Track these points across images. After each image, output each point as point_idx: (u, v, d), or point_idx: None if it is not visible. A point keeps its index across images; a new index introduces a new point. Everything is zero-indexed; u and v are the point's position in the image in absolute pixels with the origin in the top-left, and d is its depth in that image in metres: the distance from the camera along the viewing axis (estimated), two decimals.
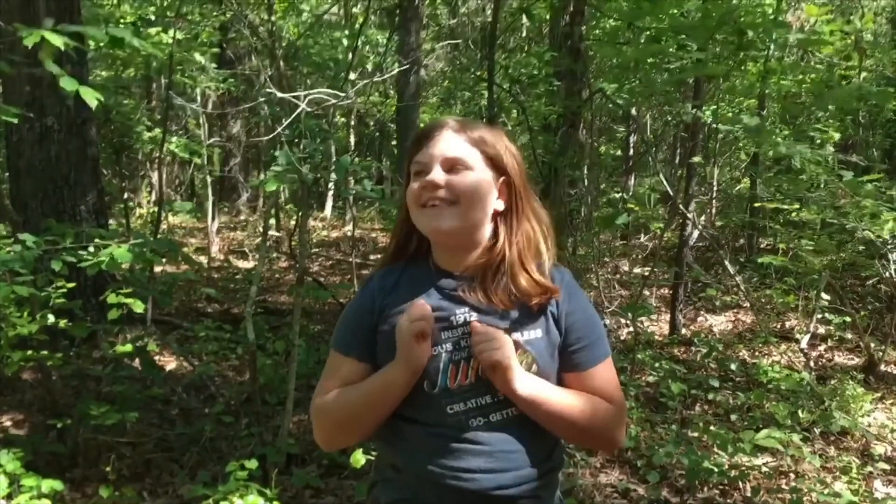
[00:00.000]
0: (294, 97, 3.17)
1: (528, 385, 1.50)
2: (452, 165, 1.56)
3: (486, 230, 1.61)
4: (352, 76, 8.42)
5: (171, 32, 7.14)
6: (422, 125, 9.73)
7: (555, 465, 1.61)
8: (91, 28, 2.87)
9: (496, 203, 1.61)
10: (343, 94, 3.38)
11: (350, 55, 8.77)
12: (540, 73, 8.66)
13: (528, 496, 1.53)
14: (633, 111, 9.06)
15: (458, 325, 1.55)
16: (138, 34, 7.69)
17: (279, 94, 2.99)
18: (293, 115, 3.22)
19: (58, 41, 2.55)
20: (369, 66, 9.56)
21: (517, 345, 1.52)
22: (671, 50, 4.04)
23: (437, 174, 1.55)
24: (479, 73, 9.88)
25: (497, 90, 7.61)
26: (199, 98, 10.15)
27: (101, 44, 7.13)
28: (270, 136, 4.01)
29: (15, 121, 3.56)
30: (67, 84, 2.71)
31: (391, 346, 1.54)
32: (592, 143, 9.57)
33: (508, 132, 1.63)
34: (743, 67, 4.40)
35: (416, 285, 1.61)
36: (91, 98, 2.74)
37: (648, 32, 4.63)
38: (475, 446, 1.51)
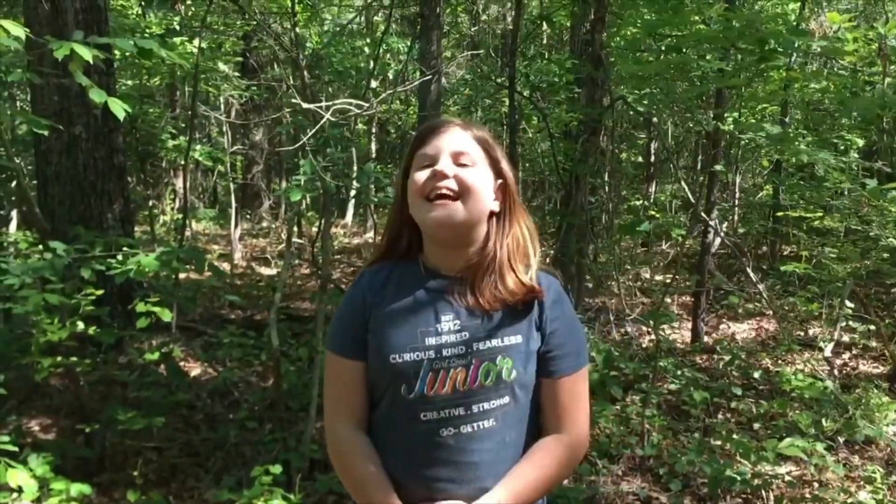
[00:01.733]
0: (318, 108, 3.22)
1: None
2: (460, 159, 1.59)
3: (482, 230, 1.63)
4: (373, 84, 8.48)
5: (195, 42, 7.24)
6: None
7: None
8: (120, 39, 2.92)
9: (492, 204, 1.63)
10: (366, 105, 3.43)
11: (371, 63, 8.84)
12: (561, 80, 8.68)
13: None
14: (654, 118, 9.05)
15: (442, 332, 1.57)
16: (165, 45, 7.81)
17: (304, 105, 3.03)
18: (317, 126, 3.26)
19: (87, 54, 2.61)
20: (391, 74, 9.62)
21: (497, 350, 1.56)
22: (692, 58, 4.05)
23: (447, 164, 1.58)
24: (499, 81, 9.91)
25: (518, 97, 7.62)
26: (222, 106, 10.27)
27: (128, 54, 7.25)
28: (295, 146, 4.06)
29: (45, 132, 3.62)
30: (96, 95, 2.76)
31: (380, 346, 1.58)
32: (613, 150, 9.56)
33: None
34: (765, 75, 4.38)
35: (404, 285, 1.64)
36: (119, 109, 2.80)
37: (669, 40, 4.63)
38: (443, 455, 1.54)
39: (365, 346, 1.62)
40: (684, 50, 3.97)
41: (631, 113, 8.60)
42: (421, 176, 1.59)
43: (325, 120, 3.21)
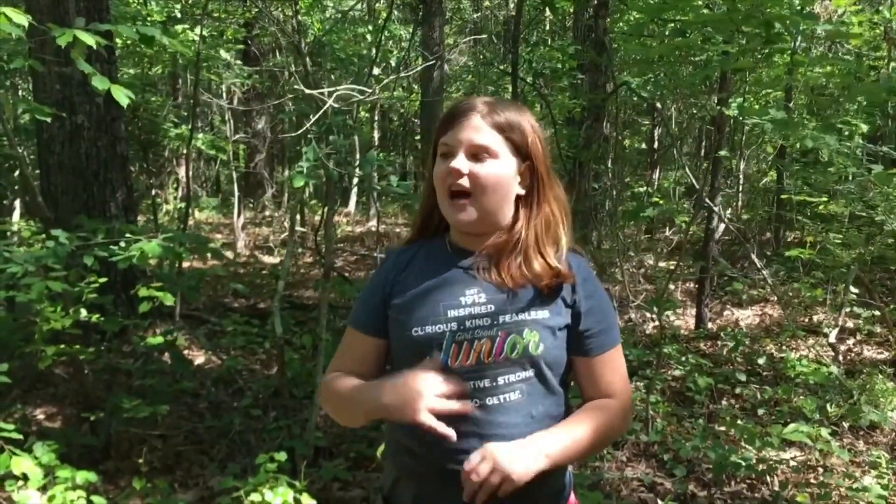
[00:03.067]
0: (321, 94, 3.20)
1: (542, 456, 1.47)
2: (477, 153, 1.58)
3: (507, 214, 1.63)
4: (375, 71, 8.45)
5: (197, 29, 7.21)
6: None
7: None
8: (122, 27, 2.91)
9: (517, 189, 1.63)
10: (368, 90, 3.41)
11: (374, 50, 8.80)
12: (564, 66, 8.64)
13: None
14: (658, 104, 9.02)
15: (465, 304, 1.57)
16: (167, 32, 7.78)
17: (307, 91, 3.02)
18: (320, 112, 3.24)
19: (90, 40, 2.60)
20: (393, 61, 9.59)
21: (525, 324, 1.54)
22: (697, 42, 4.02)
23: (461, 162, 1.57)
24: (502, 67, 9.88)
25: (521, 84, 7.59)
26: (224, 94, 10.24)
27: (130, 41, 7.22)
28: (298, 133, 4.04)
29: (48, 119, 3.61)
30: (99, 83, 2.75)
31: (402, 321, 1.59)
32: (617, 136, 9.53)
33: (535, 113, 1.64)
34: (770, 60, 4.35)
35: (431, 260, 1.66)
36: (122, 97, 2.78)
37: (673, 25, 4.60)
38: (469, 428, 1.51)
39: (383, 324, 1.65)
40: (688, 34, 3.94)
41: (634, 98, 8.54)
42: (440, 167, 1.60)
43: (327, 106, 3.19)
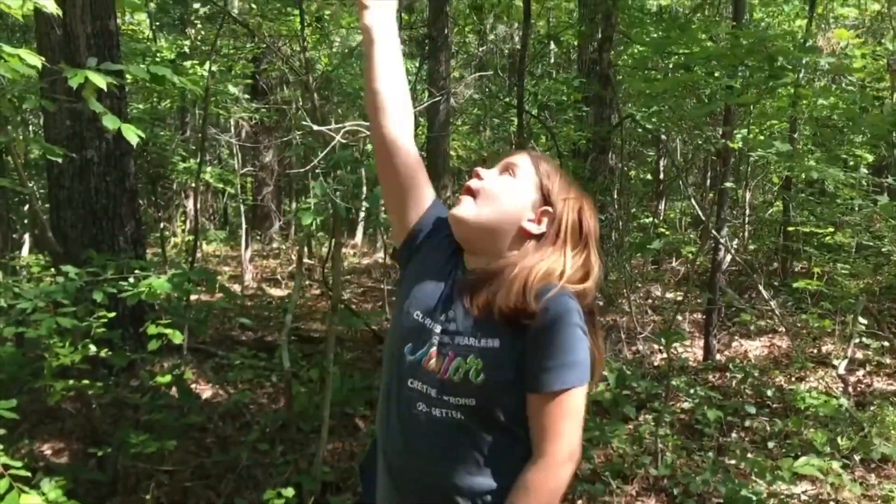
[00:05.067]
0: (328, 130, 3.24)
1: None
2: (506, 168, 1.67)
3: (503, 240, 1.63)
4: None
5: (206, 65, 7.30)
6: (452, 153, 9.84)
7: (477, 493, 1.54)
8: (133, 66, 2.95)
9: (528, 224, 1.64)
10: None
11: None
12: (569, 98, 8.70)
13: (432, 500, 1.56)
14: (663, 135, 9.06)
15: (447, 318, 1.60)
16: (177, 70, 7.89)
17: (315, 128, 3.05)
18: (328, 148, 3.28)
19: (101, 82, 2.63)
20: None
21: (471, 349, 1.53)
22: (701, 76, 4.06)
23: (487, 170, 1.68)
24: (508, 100, 9.95)
25: (526, 116, 7.64)
26: (232, 128, 10.34)
27: (140, 78, 7.30)
28: (305, 169, 4.08)
29: (59, 159, 3.65)
30: (109, 122, 2.79)
31: (409, 295, 1.67)
32: (623, 167, 9.56)
33: (587, 197, 1.68)
34: (774, 92, 4.39)
35: (440, 256, 1.70)
36: (132, 136, 2.82)
37: (676, 57, 4.64)
38: (413, 429, 1.57)
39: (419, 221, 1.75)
40: (693, 67, 3.98)
41: (639, 130, 8.59)
42: None
43: (335, 142, 3.22)
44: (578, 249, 1.64)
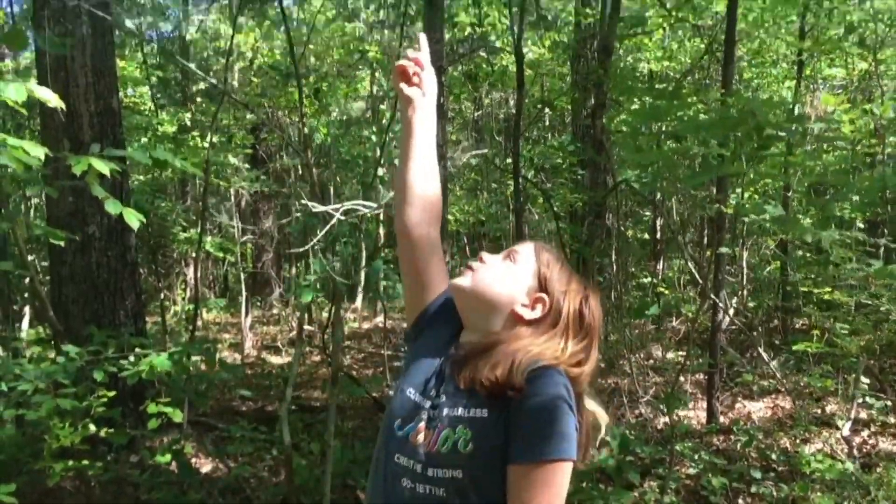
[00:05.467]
0: (329, 210, 3.29)
1: None
2: (509, 254, 1.74)
3: (495, 318, 1.67)
4: (380, 172, 8.64)
5: (207, 137, 7.43)
6: (450, 217, 9.93)
7: None
8: (135, 151, 3.02)
9: (521, 309, 1.67)
10: (374, 205, 3.51)
11: (378, 151, 9.00)
12: (564, 162, 8.83)
13: None
14: (658, 194, 9.16)
15: (440, 393, 1.61)
16: (178, 142, 8.03)
17: (315, 208, 3.11)
18: (327, 227, 3.33)
19: (104, 168, 2.70)
20: (397, 161, 9.78)
21: (460, 420, 1.53)
22: (692, 146, 4.13)
23: (491, 255, 1.75)
24: (504, 164, 10.08)
25: (522, 181, 7.74)
26: (232, 197, 10.45)
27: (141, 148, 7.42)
28: (304, 248, 4.13)
29: (61, 243, 3.71)
30: (112, 207, 2.84)
31: (406, 372, 1.72)
32: (619, 227, 9.64)
33: (593, 289, 1.73)
34: (764, 161, 4.46)
35: (442, 336, 1.74)
36: (133, 220, 2.87)
37: (668, 126, 4.73)
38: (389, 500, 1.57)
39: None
40: (684, 138, 4.05)
41: (634, 194, 8.69)
42: None
43: (334, 220, 3.28)
44: (578, 339, 1.66)
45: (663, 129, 6.60)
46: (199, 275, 7.31)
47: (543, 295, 1.68)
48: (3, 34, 3.88)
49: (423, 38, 1.91)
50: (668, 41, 10.62)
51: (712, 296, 5.23)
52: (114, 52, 5.85)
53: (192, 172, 4.86)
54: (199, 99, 9.51)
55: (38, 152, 2.59)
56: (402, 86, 1.85)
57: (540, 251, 1.74)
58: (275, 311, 12.64)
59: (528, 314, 1.67)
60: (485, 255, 1.75)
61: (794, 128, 3.94)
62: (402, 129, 1.86)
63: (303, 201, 3.64)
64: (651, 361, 8.68)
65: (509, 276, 1.69)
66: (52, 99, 2.49)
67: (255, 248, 12.50)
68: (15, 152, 2.60)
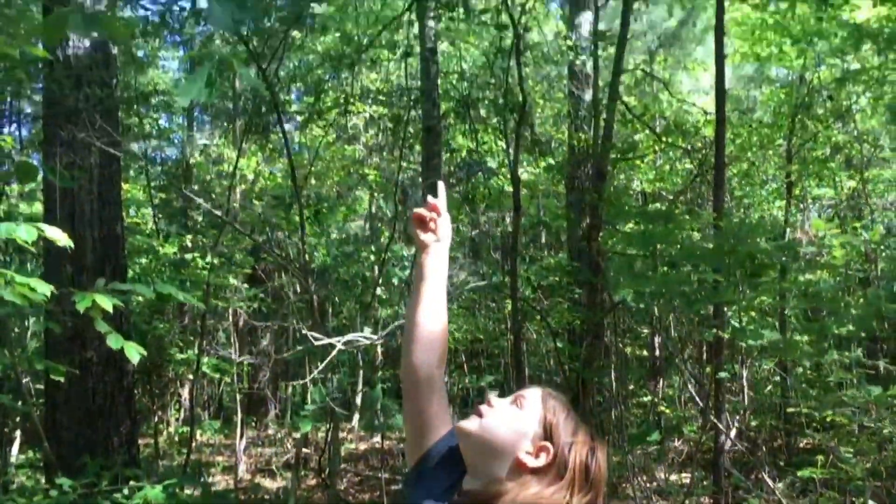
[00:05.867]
0: (333, 340, 3.31)
1: None
2: (516, 399, 1.72)
3: (497, 465, 1.65)
4: (378, 291, 8.73)
5: (207, 257, 7.52)
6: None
7: None
8: (140, 286, 3.07)
9: (525, 456, 1.65)
10: (374, 337, 3.53)
11: (377, 270, 9.10)
12: (560, 281, 8.90)
13: None
14: (656, 311, 9.20)
15: None
16: (180, 264, 8.11)
17: (315, 341, 3.13)
18: (326, 360, 3.34)
19: (107, 304, 2.74)
20: (395, 281, 9.90)
21: None
22: (687, 275, 4.21)
23: (500, 399, 1.74)
24: (502, 280, 10.15)
25: (520, 300, 7.80)
26: (230, 317, 10.46)
27: (141, 272, 7.50)
28: (303, 381, 4.13)
29: (62, 379, 3.71)
30: (114, 342, 2.87)
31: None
32: (618, 345, 9.61)
33: (599, 441, 1.77)
34: (758, 289, 4.53)
35: (444, 481, 1.72)
36: (134, 354, 2.89)
37: (662, 253, 4.82)
38: None
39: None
40: (679, 266, 4.13)
41: (632, 314, 8.74)
42: None
43: (334, 353, 3.29)
44: (583, 493, 1.63)
45: (658, 251, 6.70)
46: (194, 395, 7.24)
47: (548, 443, 1.67)
48: (15, 167, 4.00)
49: (441, 186, 1.99)
50: (660, 161, 10.91)
51: (714, 419, 5.18)
52: (120, 180, 6.01)
53: (195, 304, 4.90)
54: (200, 219, 9.68)
55: (44, 289, 2.64)
56: (418, 231, 1.93)
57: (547, 398, 1.74)
58: (270, 431, 12.43)
59: (532, 462, 1.65)
60: (493, 398, 1.75)
61: (785, 257, 4.02)
62: (416, 272, 1.93)
63: (303, 330, 3.66)
64: (654, 484, 8.49)
65: (515, 422, 1.68)
66: (62, 239, 2.55)
67: (252, 368, 12.41)
68: (21, 289, 2.65)
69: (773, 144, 8.72)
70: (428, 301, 1.87)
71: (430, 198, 1.96)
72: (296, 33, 7.65)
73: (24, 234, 2.50)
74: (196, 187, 10.80)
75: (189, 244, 8.86)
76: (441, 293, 1.91)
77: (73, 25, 3.17)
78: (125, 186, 8.86)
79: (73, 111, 5.41)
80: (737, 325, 6.72)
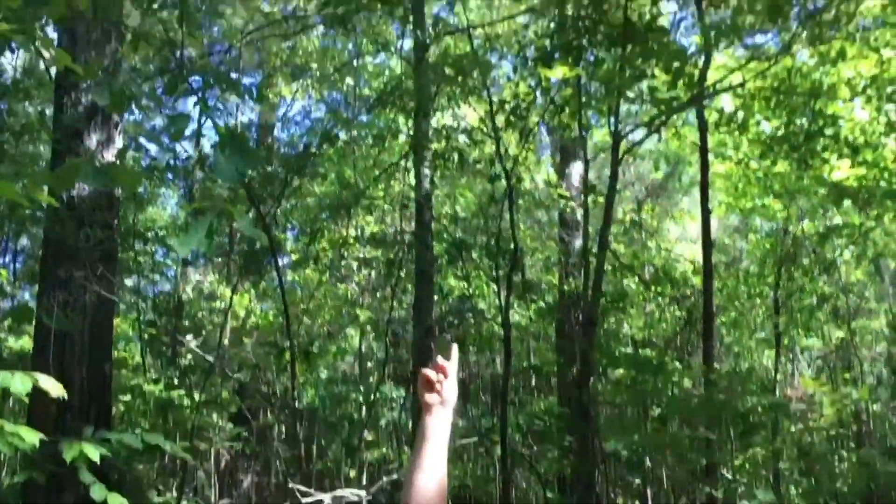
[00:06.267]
0: (324, 496, 3.24)
1: None
2: None
3: None
4: (365, 433, 8.58)
5: (194, 395, 7.43)
6: None
7: None
8: (127, 435, 3.04)
9: None
10: (364, 493, 3.46)
11: (364, 411, 8.97)
12: (551, 428, 8.76)
13: None
14: (648, 462, 9.03)
15: None
16: (167, 401, 8.00)
17: (308, 496, 3.06)
18: None
19: (94, 454, 2.71)
20: (383, 423, 9.77)
21: None
22: (680, 435, 4.19)
23: None
24: (492, 424, 9.99)
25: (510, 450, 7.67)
26: (212, 458, 10.21)
27: (128, 412, 7.37)
28: None
29: None
30: (98, 493, 2.82)
31: None
32: (609, 495, 9.35)
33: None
34: (751, 450, 4.51)
35: None
36: None
37: (652, 407, 4.80)
38: None
39: None
40: (670, 420, 4.11)
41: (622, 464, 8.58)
42: None
43: None
44: None
45: (649, 403, 6.67)
46: None
47: None
48: (10, 311, 4.03)
49: (454, 348, 2.02)
50: (650, 307, 11.01)
51: None
52: (112, 320, 6.02)
53: (181, 456, 4.83)
54: (189, 356, 9.61)
55: (32, 439, 2.62)
56: (424, 392, 1.94)
57: None
58: None
59: None
60: None
61: (776, 416, 4.02)
62: (417, 432, 1.94)
63: (290, 484, 3.59)
64: None
65: None
66: (55, 389, 2.56)
67: None
68: (10, 438, 2.63)
69: (760, 295, 8.86)
70: (428, 464, 1.88)
71: (440, 359, 1.98)
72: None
73: (20, 384, 2.51)
74: (187, 322, 10.78)
75: (175, 381, 8.77)
76: (442, 456, 1.91)
77: (84, 176, 3.29)
78: (115, 321, 8.84)
79: (72, 251, 5.49)
80: (730, 477, 6.62)
